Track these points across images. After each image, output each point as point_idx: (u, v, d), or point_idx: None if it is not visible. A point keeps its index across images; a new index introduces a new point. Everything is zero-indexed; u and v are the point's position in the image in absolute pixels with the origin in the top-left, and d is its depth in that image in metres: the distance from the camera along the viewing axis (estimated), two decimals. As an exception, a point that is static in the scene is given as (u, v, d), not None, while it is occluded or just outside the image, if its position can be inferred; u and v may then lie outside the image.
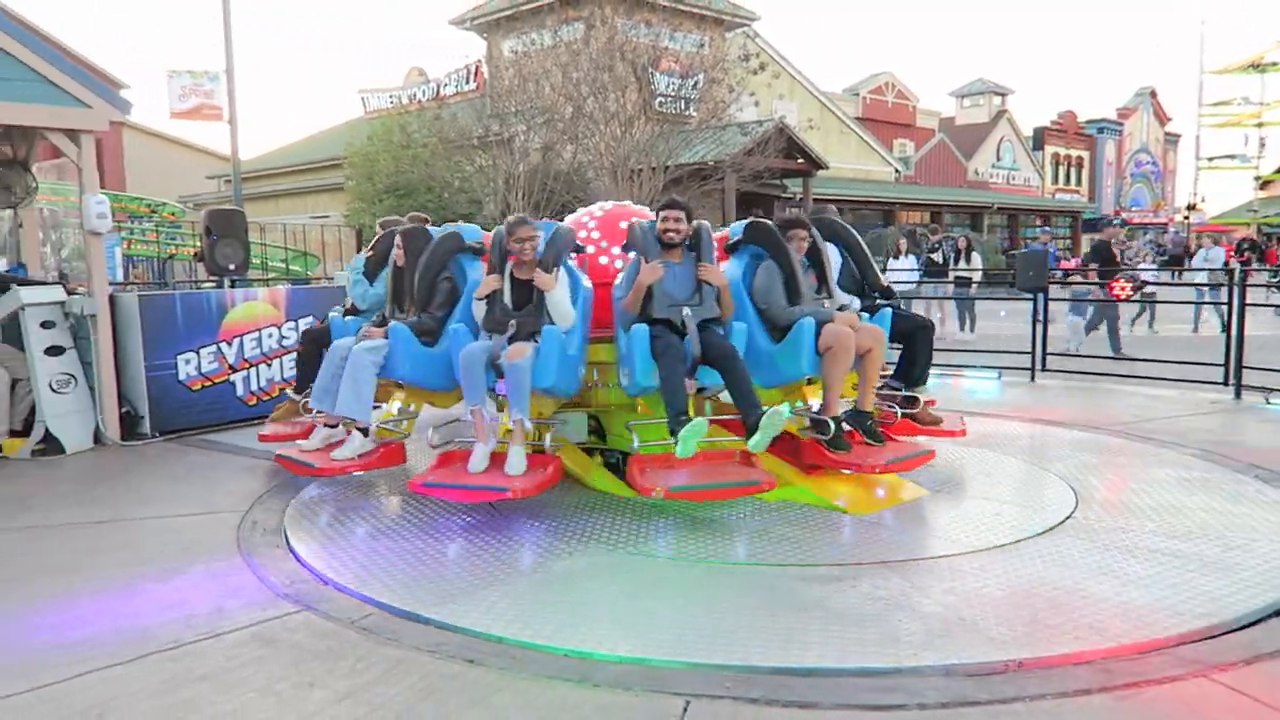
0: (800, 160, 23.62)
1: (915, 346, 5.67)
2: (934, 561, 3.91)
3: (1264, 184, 42.07)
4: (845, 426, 4.95)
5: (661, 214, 5.09)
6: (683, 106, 20.90)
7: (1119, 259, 13.02)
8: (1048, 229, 21.40)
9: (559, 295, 4.91)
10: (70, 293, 6.86)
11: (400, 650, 3.13)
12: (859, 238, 5.95)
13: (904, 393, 5.63)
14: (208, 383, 7.14)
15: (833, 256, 5.68)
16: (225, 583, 3.81)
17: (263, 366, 7.45)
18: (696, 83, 20.36)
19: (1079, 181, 44.94)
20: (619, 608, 3.43)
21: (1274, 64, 40.01)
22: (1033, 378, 9.08)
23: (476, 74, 23.62)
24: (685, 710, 2.70)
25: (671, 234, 5.03)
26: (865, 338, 4.95)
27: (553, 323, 4.86)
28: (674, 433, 4.49)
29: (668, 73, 20.65)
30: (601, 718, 2.67)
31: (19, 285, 6.54)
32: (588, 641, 3.13)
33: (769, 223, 5.32)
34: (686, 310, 4.83)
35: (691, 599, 3.51)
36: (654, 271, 4.87)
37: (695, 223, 5.14)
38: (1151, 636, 3.13)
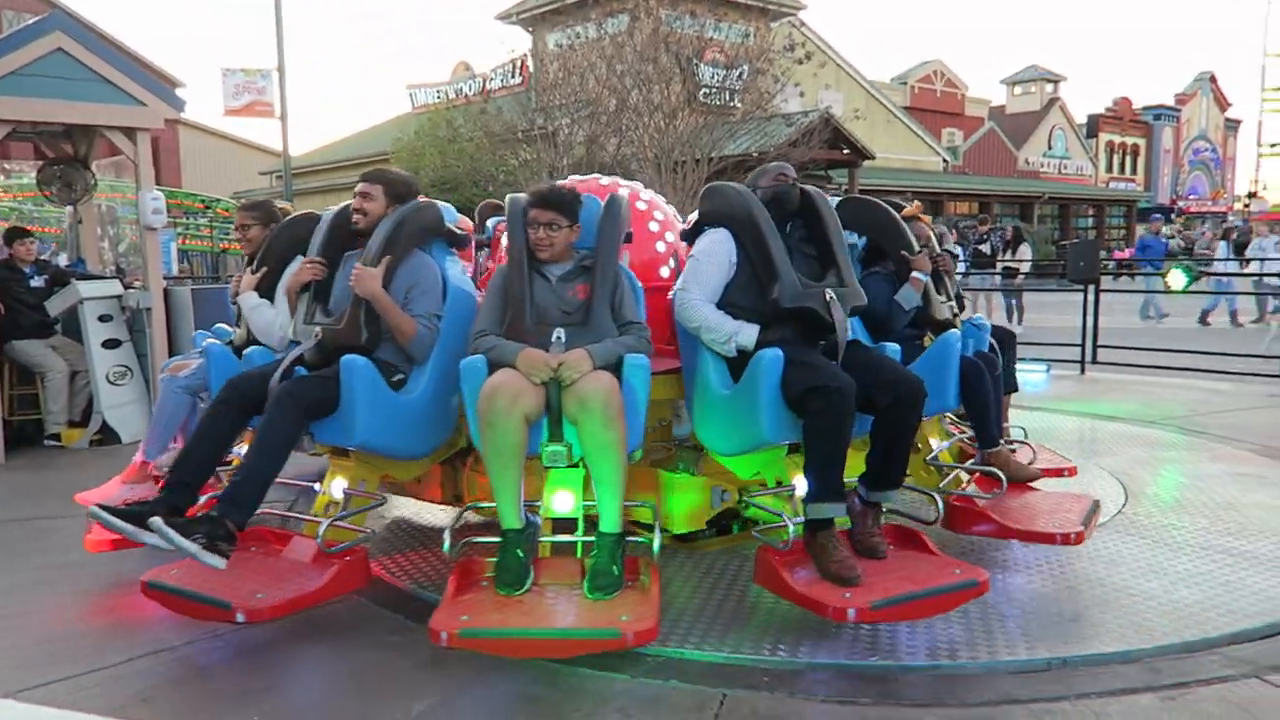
0: (846, 151, 23.39)
1: (807, 429, 3.06)
2: (974, 558, 3.85)
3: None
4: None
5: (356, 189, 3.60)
6: (727, 98, 20.78)
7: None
8: (1159, 217, 20.39)
9: (251, 300, 3.91)
10: (127, 287, 7.04)
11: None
12: (776, 230, 3.39)
13: (798, 517, 3.16)
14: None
15: (717, 252, 3.42)
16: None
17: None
18: (741, 74, 20.23)
19: (1134, 170, 43.92)
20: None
21: (1341, 46, 38.72)
22: (1083, 370, 8.91)
23: (522, 68, 23.74)
24: (722, 703, 2.70)
25: (357, 217, 3.58)
26: (568, 401, 2.95)
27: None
28: None
29: (712, 64, 20.56)
30: (641, 708, 2.69)
31: (78, 280, 6.74)
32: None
33: (498, 204, 3.52)
34: (317, 329, 3.40)
35: (725, 593, 3.50)
36: (298, 273, 3.59)
37: (423, 202, 3.66)
38: (1202, 635, 3.06)
